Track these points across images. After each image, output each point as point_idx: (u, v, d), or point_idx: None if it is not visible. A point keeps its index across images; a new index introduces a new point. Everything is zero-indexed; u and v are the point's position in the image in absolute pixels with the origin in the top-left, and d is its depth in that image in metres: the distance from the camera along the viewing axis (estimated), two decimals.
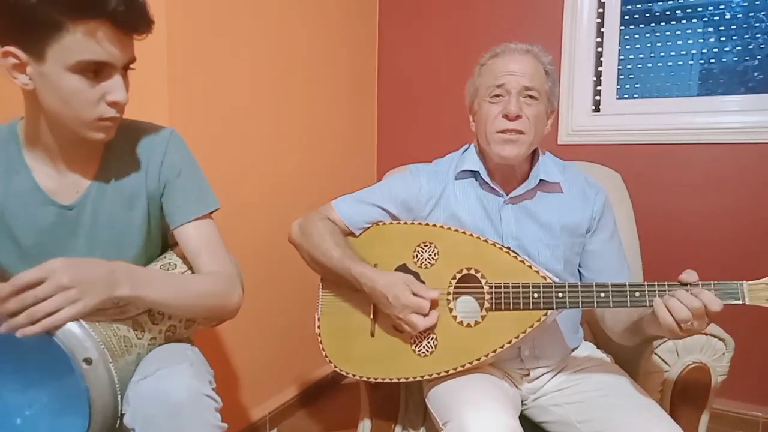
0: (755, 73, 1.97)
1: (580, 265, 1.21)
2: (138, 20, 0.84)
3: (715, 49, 2.04)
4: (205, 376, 0.88)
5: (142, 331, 0.93)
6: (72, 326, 0.80)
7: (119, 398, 0.85)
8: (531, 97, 1.10)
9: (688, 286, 0.91)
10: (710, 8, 2.02)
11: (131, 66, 0.89)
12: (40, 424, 0.84)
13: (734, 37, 2.00)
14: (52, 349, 0.79)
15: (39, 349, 0.79)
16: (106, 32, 0.81)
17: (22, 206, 0.93)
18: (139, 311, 0.92)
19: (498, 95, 1.11)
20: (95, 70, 0.83)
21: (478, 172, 1.18)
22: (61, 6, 0.77)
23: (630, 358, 1.23)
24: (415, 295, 1.04)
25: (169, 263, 1.02)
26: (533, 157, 1.19)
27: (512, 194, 1.16)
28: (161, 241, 1.08)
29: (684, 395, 1.14)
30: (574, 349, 1.22)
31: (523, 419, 1.00)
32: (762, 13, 1.93)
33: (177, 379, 0.83)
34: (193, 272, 1.01)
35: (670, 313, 0.90)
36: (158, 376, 0.83)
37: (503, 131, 1.10)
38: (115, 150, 0.97)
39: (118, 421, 0.86)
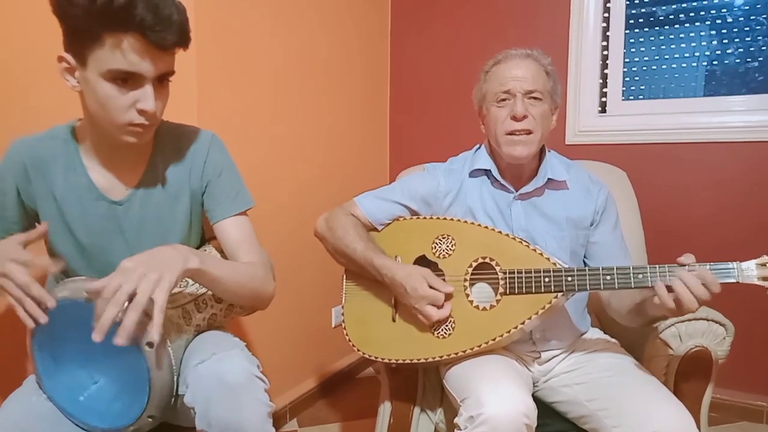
0: (756, 75, 2.01)
1: (585, 257, 1.28)
2: (167, 35, 0.85)
3: (718, 52, 2.08)
4: (253, 359, 0.95)
5: (190, 318, 1.01)
6: None
7: (175, 378, 0.92)
8: (535, 98, 1.18)
9: (686, 267, 0.97)
10: (712, 11, 2.06)
11: (168, 78, 0.93)
12: (102, 399, 0.91)
13: (736, 40, 2.04)
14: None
15: None
16: (133, 44, 0.84)
17: (78, 201, 1.01)
18: (187, 300, 1.00)
19: (504, 99, 1.19)
20: (124, 79, 0.87)
21: (490, 170, 1.25)
22: (97, 18, 0.83)
23: (636, 343, 1.28)
24: (431, 287, 1.12)
25: (209, 254, 1.10)
26: (541, 155, 1.27)
27: (522, 191, 1.24)
28: (200, 236, 1.16)
29: (687, 377, 1.19)
30: (582, 334, 1.29)
31: (534, 400, 1.03)
32: (762, 16, 1.97)
33: (233, 362, 0.90)
34: None
35: (671, 291, 0.96)
36: (215, 359, 0.90)
37: (512, 132, 1.17)
38: (162, 151, 1.05)
39: (173, 400, 0.93)
